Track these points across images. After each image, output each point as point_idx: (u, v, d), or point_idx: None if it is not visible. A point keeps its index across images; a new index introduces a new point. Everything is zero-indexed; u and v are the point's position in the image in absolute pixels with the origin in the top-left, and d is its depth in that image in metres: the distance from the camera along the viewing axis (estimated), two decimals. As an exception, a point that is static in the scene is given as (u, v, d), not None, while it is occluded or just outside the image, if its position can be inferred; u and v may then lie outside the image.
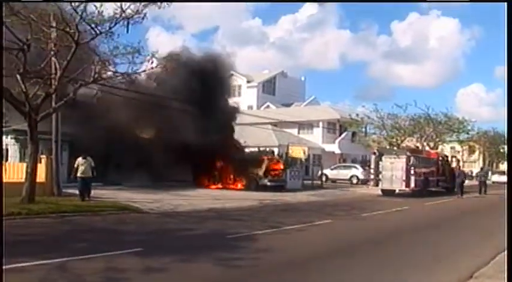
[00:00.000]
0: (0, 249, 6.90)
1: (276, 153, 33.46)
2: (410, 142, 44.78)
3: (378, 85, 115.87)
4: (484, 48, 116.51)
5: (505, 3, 8.06)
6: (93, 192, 18.38)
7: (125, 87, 21.41)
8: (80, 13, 14.87)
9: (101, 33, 15.69)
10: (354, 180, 38.88)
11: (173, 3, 15.88)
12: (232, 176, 28.85)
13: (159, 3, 15.91)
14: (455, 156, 38.13)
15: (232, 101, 34.30)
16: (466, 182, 31.93)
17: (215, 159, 29.06)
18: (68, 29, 15.26)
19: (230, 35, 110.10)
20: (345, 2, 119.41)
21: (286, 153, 31.65)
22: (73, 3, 14.78)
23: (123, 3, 15.14)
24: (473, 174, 51.71)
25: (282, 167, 29.15)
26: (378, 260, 9.45)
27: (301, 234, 12.67)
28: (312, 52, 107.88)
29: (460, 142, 53.09)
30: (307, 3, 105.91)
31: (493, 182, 44.24)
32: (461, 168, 36.41)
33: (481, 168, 38.24)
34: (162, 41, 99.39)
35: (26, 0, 14.74)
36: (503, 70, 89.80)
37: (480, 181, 32.43)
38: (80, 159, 17.87)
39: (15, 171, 18.45)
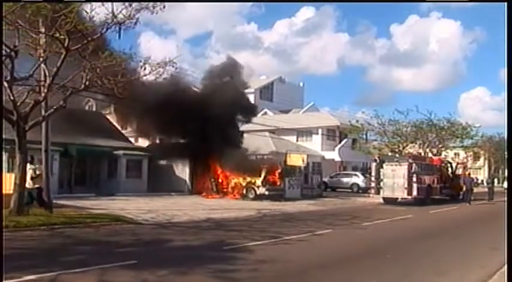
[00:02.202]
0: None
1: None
2: (413, 149, 44.27)
3: (377, 90, 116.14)
4: (487, 51, 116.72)
5: (505, 3, 8.11)
6: (83, 203, 17.83)
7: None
8: (70, 18, 14.40)
9: (92, 39, 15.23)
10: (355, 189, 38.42)
11: (166, 8, 15.49)
12: (229, 185, 28.44)
13: (151, 8, 15.49)
14: (461, 163, 37.45)
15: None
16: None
17: (212, 168, 28.73)
18: (57, 35, 14.80)
19: (224, 40, 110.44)
20: (342, 3, 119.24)
21: (285, 161, 31.15)
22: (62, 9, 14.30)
23: (115, 8, 14.71)
24: (479, 181, 51.08)
25: (280, 175, 28.69)
26: (379, 271, 9.25)
27: (301, 244, 12.42)
28: (308, 57, 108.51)
29: (464, 148, 52.45)
30: (304, 7, 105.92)
31: (505, 189, 43.56)
32: (471, 174, 35.99)
33: (491, 175, 37.93)
34: (154, 46, 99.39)
35: (27, 0, 14.27)
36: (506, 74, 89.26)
37: (488, 188, 32.13)
38: (28, 166, 15.82)
39: (3, 182, 17.87)
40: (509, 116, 8.03)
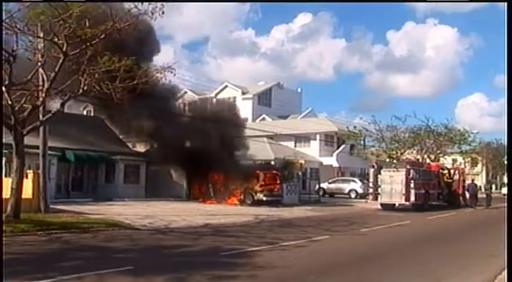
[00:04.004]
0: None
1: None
2: (411, 154, 44.24)
3: (374, 96, 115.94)
4: (483, 58, 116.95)
5: (505, 3, 8.16)
6: (80, 208, 17.79)
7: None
8: (68, 23, 14.40)
9: (91, 44, 15.23)
10: (353, 194, 38.35)
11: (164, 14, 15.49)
12: (227, 191, 28.36)
13: (150, 14, 15.48)
14: (457, 169, 37.39)
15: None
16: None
17: (210, 173, 28.67)
18: (56, 40, 14.81)
19: (221, 46, 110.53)
20: (339, 4, 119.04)
21: (283, 167, 31.17)
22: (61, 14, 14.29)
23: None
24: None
25: (278, 181, 28.66)
26: (377, 277, 9.27)
27: (299, 250, 12.32)
28: (305, 63, 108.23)
29: (462, 154, 52.47)
30: (302, 13, 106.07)
31: (504, 195, 43.63)
32: (474, 180, 36.39)
33: (488, 181, 38.13)
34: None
35: (28, 0, 14.28)
36: (504, 79, 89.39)
37: (486, 194, 32.39)
38: None
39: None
40: (509, 119, 7.98)
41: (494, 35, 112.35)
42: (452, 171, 33.96)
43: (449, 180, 32.31)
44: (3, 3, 13.01)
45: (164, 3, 14.73)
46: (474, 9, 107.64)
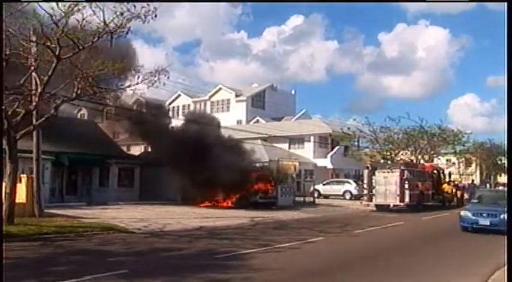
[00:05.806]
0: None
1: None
2: (405, 155, 44.35)
3: (367, 97, 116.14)
4: (474, 59, 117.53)
5: (505, 3, 8.21)
6: (75, 212, 17.73)
7: (110, 103, 20.90)
8: (61, 27, 14.38)
9: (83, 48, 15.20)
10: (347, 196, 38.37)
11: (158, 17, 15.47)
12: (221, 194, 28.28)
13: (143, 17, 15.46)
14: (440, 168, 37.52)
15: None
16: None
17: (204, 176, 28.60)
18: (48, 44, 14.77)
19: (213, 48, 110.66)
20: (330, 5, 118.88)
21: (277, 169, 31.12)
22: (54, 17, 14.27)
23: (106, 17, 14.69)
24: None
25: (272, 183, 28.62)
26: (371, 279, 9.32)
27: (293, 252, 12.41)
28: (297, 64, 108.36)
29: (456, 154, 52.64)
30: (294, 15, 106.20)
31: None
32: (473, 181, 36.86)
33: (483, 181, 38.27)
34: (143, 54, 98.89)
35: (28, 0, 14.23)
36: (496, 80, 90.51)
37: None
38: None
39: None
40: (509, 119, 8.03)
41: (485, 36, 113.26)
42: (441, 171, 34.14)
43: (442, 181, 32.49)
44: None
45: (157, 4, 14.75)
46: (464, 10, 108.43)
